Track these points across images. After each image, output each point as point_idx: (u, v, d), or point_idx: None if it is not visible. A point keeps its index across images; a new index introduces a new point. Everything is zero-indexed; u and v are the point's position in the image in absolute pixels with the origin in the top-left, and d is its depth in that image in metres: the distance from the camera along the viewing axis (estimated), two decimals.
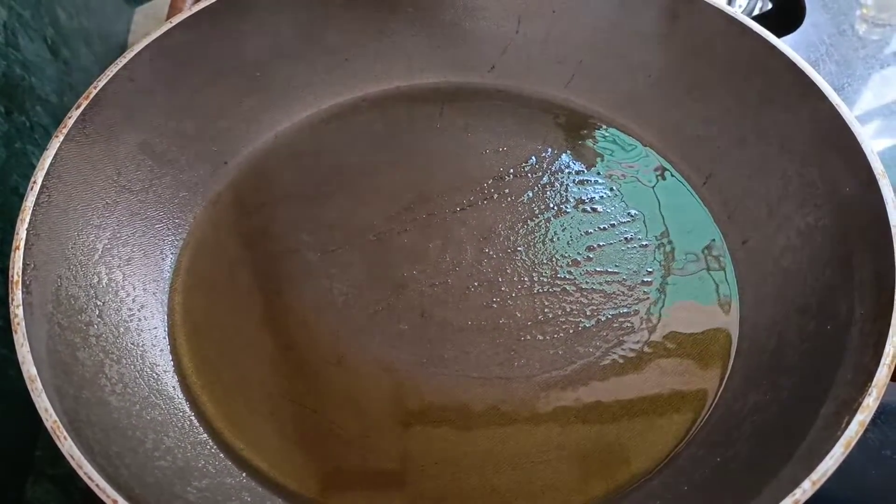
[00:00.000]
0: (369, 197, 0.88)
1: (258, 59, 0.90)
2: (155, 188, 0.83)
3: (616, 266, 0.82)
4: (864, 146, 0.70)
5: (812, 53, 1.16)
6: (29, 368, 0.61)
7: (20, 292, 0.64)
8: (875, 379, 0.59)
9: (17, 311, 0.63)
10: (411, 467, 0.71)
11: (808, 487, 0.55)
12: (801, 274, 0.75)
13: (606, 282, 0.81)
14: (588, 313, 0.79)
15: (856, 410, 0.58)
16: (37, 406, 0.59)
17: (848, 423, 0.58)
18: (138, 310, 0.77)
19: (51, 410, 0.59)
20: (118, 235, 0.78)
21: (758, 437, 0.67)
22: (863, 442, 0.78)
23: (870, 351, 0.62)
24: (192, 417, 0.73)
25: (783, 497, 0.55)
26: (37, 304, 0.66)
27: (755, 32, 0.80)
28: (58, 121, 0.96)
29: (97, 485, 0.55)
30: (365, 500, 0.69)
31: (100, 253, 0.76)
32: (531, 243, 0.84)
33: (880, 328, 0.62)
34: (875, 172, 0.69)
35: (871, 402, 0.58)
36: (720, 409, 0.73)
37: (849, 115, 0.73)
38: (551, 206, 0.87)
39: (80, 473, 0.56)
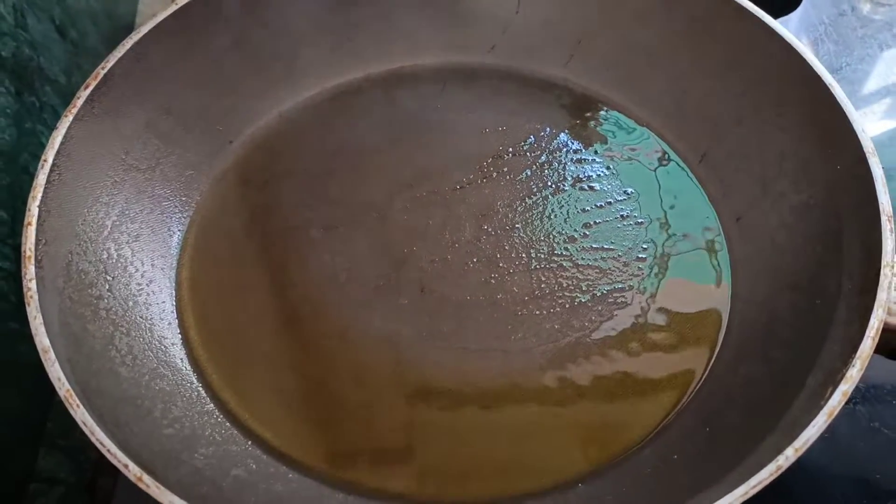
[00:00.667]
0: (371, 175, 0.90)
1: (263, 40, 0.92)
2: (162, 166, 0.85)
3: (612, 243, 0.84)
4: (854, 125, 0.72)
5: (811, 33, 1.16)
6: (42, 340, 0.63)
7: (33, 267, 0.67)
8: (859, 350, 0.61)
9: (31, 284, 0.66)
10: (412, 437, 0.73)
11: (790, 455, 0.57)
12: (793, 251, 0.77)
13: (602, 258, 0.83)
14: (584, 288, 0.81)
15: (840, 381, 0.60)
16: (50, 376, 0.61)
17: (832, 394, 0.60)
18: (147, 284, 0.79)
19: (63, 380, 0.61)
20: (126, 212, 0.80)
21: (746, 410, 0.69)
22: (852, 416, 0.81)
23: (855, 324, 0.63)
24: (199, 388, 0.75)
25: (767, 464, 0.57)
26: (48, 278, 0.68)
27: (751, 13, 0.81)
28: (66, 101, 0.97)
29: (108, 450, 0.58)
30: (367, 468, 0.71)
31: (108, 229, 0.78)
32: (529, 220, 0.86)
33: (866, 302, 0.64)
34: (865, 151, 0.70)
35: (854, 374, 0.60)
36: (710, 382, 0.75)
37: (842, 95, 0.74)
38: (549, 184, 0.89)
39: (93, 440, 0.58)
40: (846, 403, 0.79)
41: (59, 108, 0.97)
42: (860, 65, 1.14)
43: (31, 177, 0.85)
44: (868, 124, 1.02)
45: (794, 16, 1.18)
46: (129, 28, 1.24)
